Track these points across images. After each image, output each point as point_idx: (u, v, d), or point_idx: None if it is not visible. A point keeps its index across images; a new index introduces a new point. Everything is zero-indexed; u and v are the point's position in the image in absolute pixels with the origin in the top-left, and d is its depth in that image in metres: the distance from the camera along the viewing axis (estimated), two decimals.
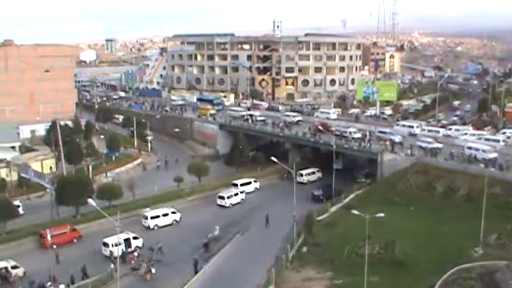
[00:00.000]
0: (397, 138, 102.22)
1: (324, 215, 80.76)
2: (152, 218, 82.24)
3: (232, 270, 64.79)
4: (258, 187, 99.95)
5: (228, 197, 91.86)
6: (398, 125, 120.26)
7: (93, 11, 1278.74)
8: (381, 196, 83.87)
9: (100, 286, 61.53)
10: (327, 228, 75.29)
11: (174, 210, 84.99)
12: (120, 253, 65.47)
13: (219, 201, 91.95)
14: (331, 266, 62.98)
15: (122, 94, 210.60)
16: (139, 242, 73.44)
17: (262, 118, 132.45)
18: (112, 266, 63.65)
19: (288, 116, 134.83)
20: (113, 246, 69.01)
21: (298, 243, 70.86)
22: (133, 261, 69.04)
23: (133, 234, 73.90)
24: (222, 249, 71.61)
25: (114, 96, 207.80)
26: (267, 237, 75.47)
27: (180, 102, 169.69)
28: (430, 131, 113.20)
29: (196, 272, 63.95)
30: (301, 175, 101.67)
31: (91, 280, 62.19)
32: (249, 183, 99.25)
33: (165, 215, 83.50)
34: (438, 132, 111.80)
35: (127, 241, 72.06)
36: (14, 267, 66.04)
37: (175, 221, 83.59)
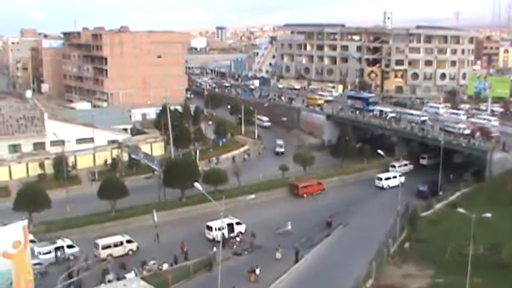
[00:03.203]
0: None
1: (428, 211, 79.79)
2: (386, 179, 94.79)
3: (333, 261, 65.12)
4: (412, 168, 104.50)
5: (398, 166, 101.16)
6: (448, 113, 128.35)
7: None
8: (489, 196, 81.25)
9: (202, 268, 63.34)
10: (430, 224, 74.37)
11: (400, 174, 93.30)
12: (222, 237, 66.33)
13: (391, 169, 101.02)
14: (433, 264, 62.17)
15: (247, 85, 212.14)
16: (242, 228, 74.96)
17: (393, 114, 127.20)
18: (214, 249, 65.18)
19: (453, 127, 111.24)
20: (216, 230, 70.92)
21: (401, 238, 70.29)
22: (235, 246, 70.72)
23: (237, 220, 75.50)
24: (324, 240, 72.11)
25: (226, 84, 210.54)
26: (369, 230, 75.10)
27: (329, 98, 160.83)
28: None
29: (297, 261, 64.82)
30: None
31: (193, 262, 64.14)
32: (406, 164, 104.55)
33: (394, 177, 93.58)
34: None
35: (230, 226, 73.77)
36: (128, 242, 69.56)
37: (401, 183, 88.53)
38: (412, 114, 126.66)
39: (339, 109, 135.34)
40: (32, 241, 67.11)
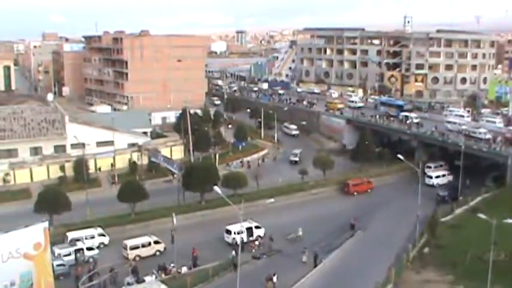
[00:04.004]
0: None
1: (448, 217, 79.21)
2: (436, 177, 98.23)
3: (352, 266, 64.95)
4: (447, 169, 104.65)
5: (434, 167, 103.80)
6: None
7: (223, 3, 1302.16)
8: (510, 201, 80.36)
9: (221, 271, 63.24)
10: (450, 230, 73.79)
11: (449, 172, 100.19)
12: (241, 241, 66.44)
13: None
14: (453, 270, 61.71)
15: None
16: (261, 232, 74.92)
17: (417, 120, 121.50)
18: (233, 253, 65.21)
19: (474, 132, 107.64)
20: (235, 233, 71.01)
21: (421, 243, 69.89)
22: (253, 250, 70.66)
23: (256, 223, 75.44)
24: (343, 244, 71.85)
25: (254, 89, 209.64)
26: (388, 235, 74.81)
27: (360, 105, 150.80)
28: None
29: (315, 265, 64.67)
30: None
31: (212, 265, 64.06)
32: (441, 165, 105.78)
33: (443, 175, 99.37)
34: None
35: (249, 230, 73.77)
36: (156, 242, 70.19)
37: (449, 181, 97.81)
38: (453, 123, 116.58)
39: (358, 113, 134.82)
40: (102, 235, 70.71)
